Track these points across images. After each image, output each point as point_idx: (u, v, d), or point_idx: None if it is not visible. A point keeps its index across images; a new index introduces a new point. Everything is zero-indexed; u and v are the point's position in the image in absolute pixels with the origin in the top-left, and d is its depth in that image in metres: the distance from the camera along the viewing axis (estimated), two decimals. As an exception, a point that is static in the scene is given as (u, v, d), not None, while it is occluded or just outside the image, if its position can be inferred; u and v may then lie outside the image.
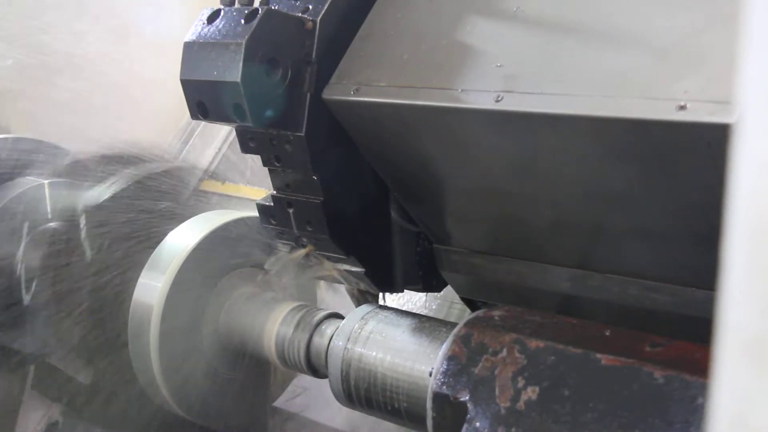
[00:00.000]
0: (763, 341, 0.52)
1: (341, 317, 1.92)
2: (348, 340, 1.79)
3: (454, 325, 1.70)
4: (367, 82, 1.56)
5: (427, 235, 1.87)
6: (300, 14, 1.61)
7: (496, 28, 1.46)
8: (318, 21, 1.60)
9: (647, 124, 1.20)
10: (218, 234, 2.03)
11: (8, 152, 2.56)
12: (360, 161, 1.75)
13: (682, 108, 1.15)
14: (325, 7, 1.61)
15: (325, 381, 1.87)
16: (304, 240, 1.88)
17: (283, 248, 1.98)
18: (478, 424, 1.46)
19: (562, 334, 1.52)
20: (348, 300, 2.14)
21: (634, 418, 1.33)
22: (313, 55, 1.60)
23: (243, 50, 1.48)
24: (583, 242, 1.56)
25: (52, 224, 2.49)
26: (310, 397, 2.42)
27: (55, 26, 3.04)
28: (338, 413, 2.33)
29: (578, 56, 1.33)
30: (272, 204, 1.84)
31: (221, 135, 3.69)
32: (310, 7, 1.62)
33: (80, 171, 2.41)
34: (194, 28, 1.59)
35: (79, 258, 2.13)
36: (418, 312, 2.08)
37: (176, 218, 2.12)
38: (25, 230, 2.40)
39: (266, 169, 1.78)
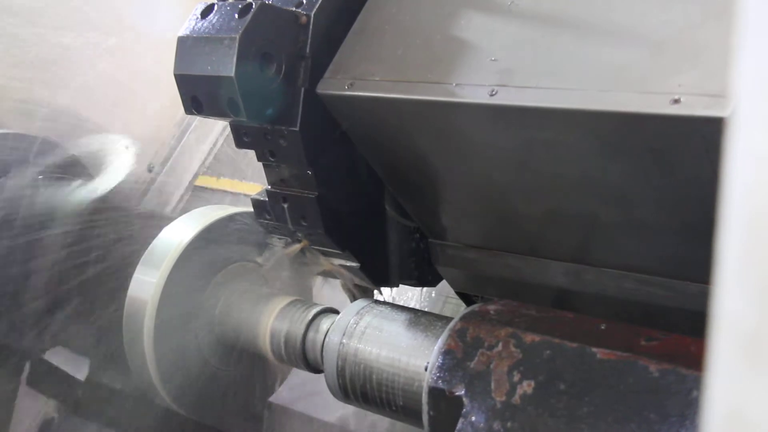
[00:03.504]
0: (758, 334, 0.52)
1: (337, 312, 1.92)
2: (343, 335, 1.79)
3: (449, 319, 1.69)
4: (362, 77, 1.55)
5: (423, 230, 1.87)
6: (294, 8, 1.60)
7: (490, 23, 1.46)
8: (312, 15, 1.59)
9: (642, 118, 1.20)
10: (213, 229, 2.03)
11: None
12: (355, 156, 1.74)
13: (677, 102, 1.15)
14: (320, 1, 1.60)
15: (321, 376, 1.87)
16: (299, 235, 1.88)
17: (278, 243, 1.98)
18: (473, 419, 1.46)
19: (557, 328, 1.52)
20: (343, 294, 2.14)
21: (630, 412, 1.33)
22: (308, 50, 1.60)
23: (237, 45, 1.47)
24: (578, 236, 1.56)
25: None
26: (305, 392, 2.42)
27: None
28: (334, 408, 2.33)
29: (573, 50, 1.32)
30: (267, 199, 1.84)
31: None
32: (304, 1, 1.62)
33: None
34: (188, 22, 1.59)
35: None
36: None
37: None
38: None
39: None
